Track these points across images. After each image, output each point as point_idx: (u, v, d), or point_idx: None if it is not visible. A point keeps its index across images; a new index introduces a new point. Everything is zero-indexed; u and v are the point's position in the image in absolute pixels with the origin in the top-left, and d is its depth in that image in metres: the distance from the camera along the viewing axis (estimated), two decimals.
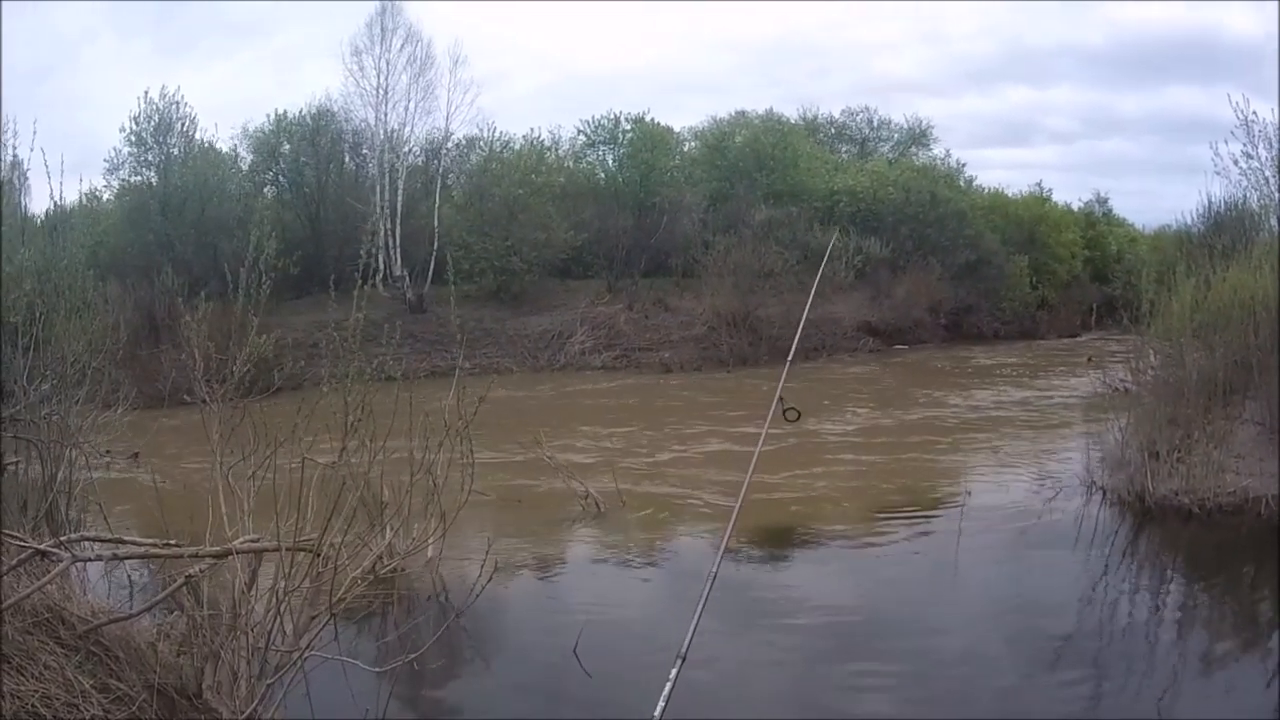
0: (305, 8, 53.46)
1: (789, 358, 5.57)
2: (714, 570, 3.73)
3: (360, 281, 5.02)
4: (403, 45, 24.88)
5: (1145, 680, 5.58)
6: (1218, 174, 14.79)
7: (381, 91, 24.61)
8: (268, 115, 26.39)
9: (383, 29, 24.73)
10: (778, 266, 23.44)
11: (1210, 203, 15.86)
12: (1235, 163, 14.20)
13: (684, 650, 3.38)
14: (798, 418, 5.01)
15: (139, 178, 23.84)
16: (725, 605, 6.32)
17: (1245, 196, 14.65)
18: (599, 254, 25.97)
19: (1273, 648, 6.17)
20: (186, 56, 45.61)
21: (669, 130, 29.46)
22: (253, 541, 4.57)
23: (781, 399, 4.82)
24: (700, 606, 3.55)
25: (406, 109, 24.92)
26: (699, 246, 24.84)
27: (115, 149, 23.53)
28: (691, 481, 10.70)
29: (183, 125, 23.55)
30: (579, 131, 29.33)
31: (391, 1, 24.94)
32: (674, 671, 3.24)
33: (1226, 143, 14.26)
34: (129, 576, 5.44)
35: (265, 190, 26.75)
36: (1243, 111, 13.75)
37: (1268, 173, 13.88)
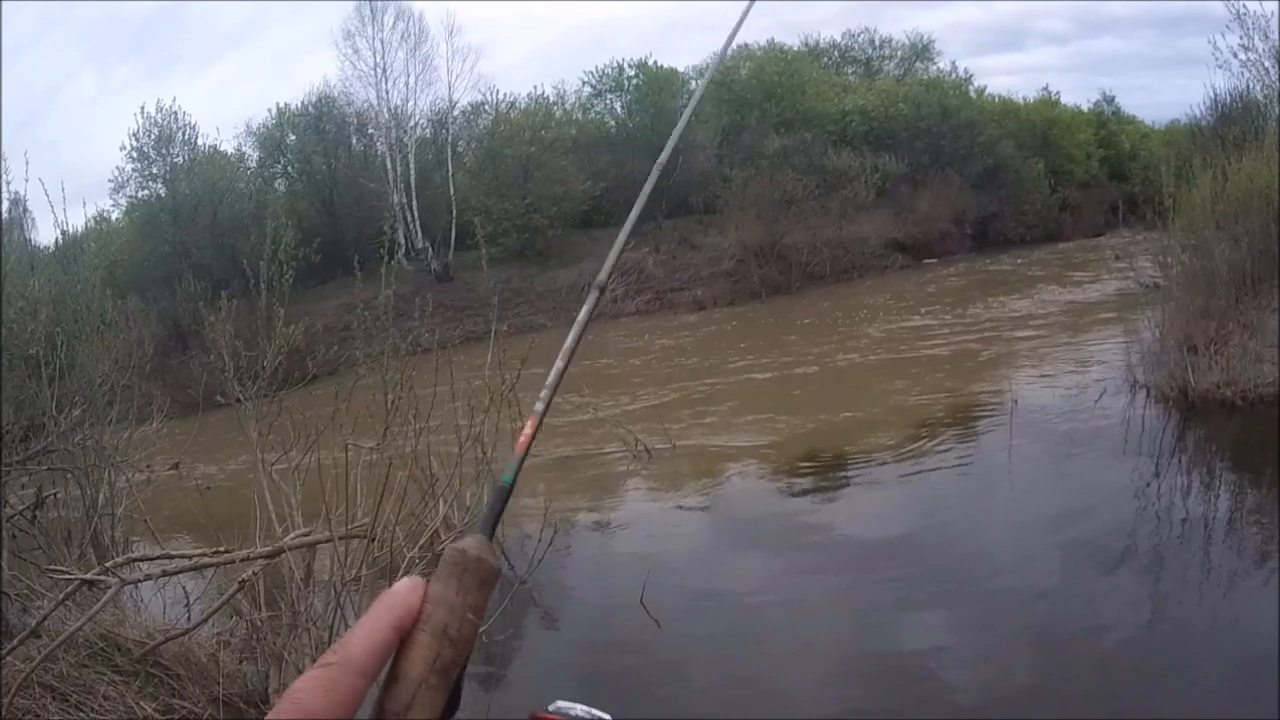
0: (282, 8, 52.95)
1: None
2: None
3: (386, 258, 5.00)
4: (394, 22, 24.72)
5: (1204, 582, 5.44)
6: (1219, 67, 14.61)
7: (380, 70, 24.54)
8: (269, 110, 26.47)
9: (372, 10, 24.54)
10: (798, 193, 23.30)
11: (1216, 96, 15.80)
12: (1234, 55, 14.04)
13: None
14: None
15: (146, 192, 23.89)
16: (775, 534, 6.96)
17: (1249, 88, 14.51)
18: (619, 201, 25.52)
19: None
20: (172, 73, 45.36)
21: (673, 71, 29.11)
22: (304, 535, 4.49)
23: None
24: None
25: (407, 84, 24.86)
26: (718, 182, 24.58)
27: (118, 168, 23.62)
28: (735, 420, 10.59)
29: (183, 134, 23.49)
30: (584, 83, 29.23)
31: None
32: None
33: (1224, 35, 14.05)
34: (184, 588, 5.36)
35: (276, 184, 26.73)
36: (1233, 5, 13.67)
37: (1267, 64, 13.75)
